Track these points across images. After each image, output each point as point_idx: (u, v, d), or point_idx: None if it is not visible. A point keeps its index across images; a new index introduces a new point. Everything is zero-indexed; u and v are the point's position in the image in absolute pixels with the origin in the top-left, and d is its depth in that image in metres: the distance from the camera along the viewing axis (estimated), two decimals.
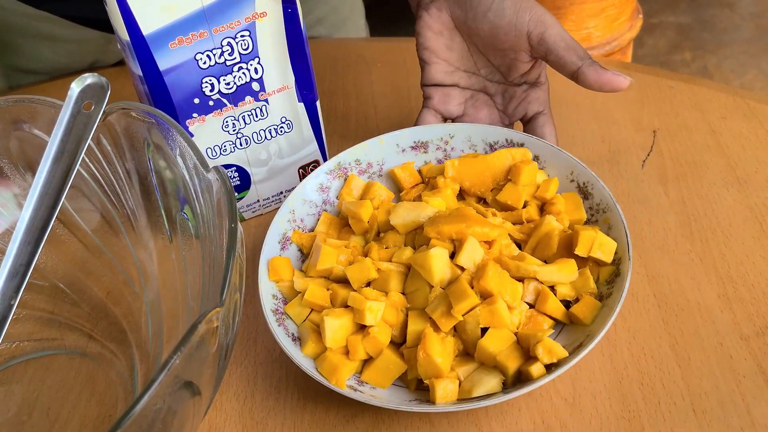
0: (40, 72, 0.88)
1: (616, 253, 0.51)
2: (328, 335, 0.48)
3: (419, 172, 0.62)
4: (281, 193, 0.67)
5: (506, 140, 0.59)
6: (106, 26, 0.85)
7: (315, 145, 0.66)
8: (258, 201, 0.66)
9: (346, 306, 0.50)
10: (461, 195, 0.59)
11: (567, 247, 0.52)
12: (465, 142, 0.61)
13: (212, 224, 0.47)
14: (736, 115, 0.68)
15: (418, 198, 0.58)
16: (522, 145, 0.59)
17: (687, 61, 2.19)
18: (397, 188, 0.62)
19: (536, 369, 0.45)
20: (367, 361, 0.50)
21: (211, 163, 0.48)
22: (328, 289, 0.53)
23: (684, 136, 0.67)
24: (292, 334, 0.51)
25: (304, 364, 0.48)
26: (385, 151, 0.62)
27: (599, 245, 0.50)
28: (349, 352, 0.49)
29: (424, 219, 0.53)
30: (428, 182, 0.60)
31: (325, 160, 0.67)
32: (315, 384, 0.50)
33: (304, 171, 0.67)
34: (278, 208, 0.60)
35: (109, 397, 0.52)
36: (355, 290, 0.51)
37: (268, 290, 0.53)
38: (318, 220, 0.60)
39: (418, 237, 0.54)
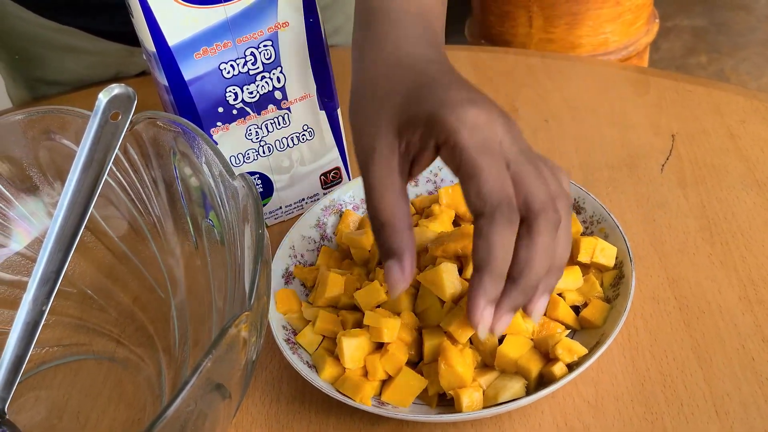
0: (64, 83, 0.90)
1: (617, 257, 0.52)
2: (346, 355, 0.49)
3: (412, 204, 0.62)
4: (303, 200, 0.67)
5: None
6: (128, 39, 0.87)
7: (336, 152, 0.67)
8: (280, 208, 0.67)
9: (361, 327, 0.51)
10: (456, 221, 0.59)
11: (569, 257, 0.53)
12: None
13: (237, 231, 0.48)
14: (755, 118, 0.68)
15: (416, 226, 0.58)
16: None
17: (703, 64, 2.18)
18: None
19: (558, 369, 0.46)
20: (386, 382, 0.50)
21: (235, 171, 0.48)
22: (338, 315, 0.53)
23: (703, 140, 0.67)
24: (307, 362, 0.51)
25: (326, 388, 0.48)
26: None
27: (600, 251, 0.52)
28: (368, 372, 0.49)
29: (427, 242, 0.54)
30: (423, 212, 0.61)
31: (346, 167, 0.67)
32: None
33: (326, 178, 0.67)
34: (300, 215, 0.61)
35: (137, 400, 0.53)
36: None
37: (278, 322, 0.54)
38: (318, 255, 0.60)
39: (422, 259, 0.54)
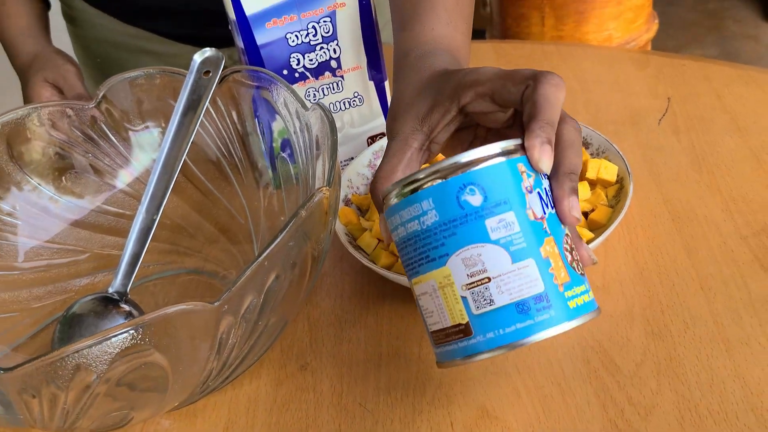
0: None
1: (618, 175, 0.63)
2: None
3: None
4: (352, 158, 0.79)
5: None
6: (194, 41, 0.99)
7: (382, 119, 0.78)
8: None
9: None
10: None
11: (579, 177, 0.64)
12: None
13: (311, 162, 0.59)
14: (738, 82, 0.79)
15: None
16: None
17: None
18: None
19: None
20: None
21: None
22: None
23: (694, 100, 0.78)
24: (365, 258, 0.63)
25: (382, 271, 0.59)
26: None
27: (604, 168, 0.64)
28: None
29: None
30: None
31: None
32: (392, 284, 0.61)
33: (372, 140, 0.79)
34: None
35: None
36: None
37: (342, 230, 0.65)
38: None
39: None
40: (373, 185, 0.50)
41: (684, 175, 0.69)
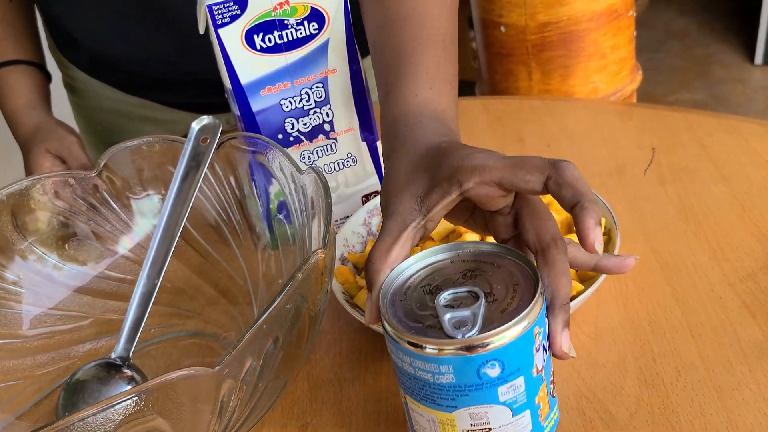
0: None
1: (605, 226, 0.64)
2: None
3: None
4: (347, 217, 0.80)
5: None
6: (195, 108, 1.01)
7: (375, 178, 0.79)
8: None
9: None
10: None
11: (567, 230, 0.66)
12: None
13: (306, 223, 0.60)
14: (721, 131, 0.81)
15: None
16: None
17: None
18: None
19: None
20: None
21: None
22: None
23: (678, 150, 0.80)
24: (362, 316, 0.63)
25: (379, 329, 0.60)
26: None
27: None
28: None
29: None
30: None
31: None
32: None
33: (367, 199, 0.80)
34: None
35: None
36: None
37: (337, 288, 0.66)
38: (366, 245, 0.73)
39: (450, 238, 0.66)
40: (368, 264, 0.50)
41: (671, 224, 0.70)
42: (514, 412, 0.44)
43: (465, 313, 0.43)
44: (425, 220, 0.50)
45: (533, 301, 0.43)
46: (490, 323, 0.42)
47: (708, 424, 0.51)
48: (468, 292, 0.44)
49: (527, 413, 0.45)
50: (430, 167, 0.51)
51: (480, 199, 0.49)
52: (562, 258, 0.47)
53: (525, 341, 0.43)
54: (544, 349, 0.45)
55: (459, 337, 0.42)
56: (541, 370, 0.45)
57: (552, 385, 0.47)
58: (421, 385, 0.44)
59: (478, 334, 0.42)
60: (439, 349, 0.42)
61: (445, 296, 0.44)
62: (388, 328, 0.44)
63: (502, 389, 0.43)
